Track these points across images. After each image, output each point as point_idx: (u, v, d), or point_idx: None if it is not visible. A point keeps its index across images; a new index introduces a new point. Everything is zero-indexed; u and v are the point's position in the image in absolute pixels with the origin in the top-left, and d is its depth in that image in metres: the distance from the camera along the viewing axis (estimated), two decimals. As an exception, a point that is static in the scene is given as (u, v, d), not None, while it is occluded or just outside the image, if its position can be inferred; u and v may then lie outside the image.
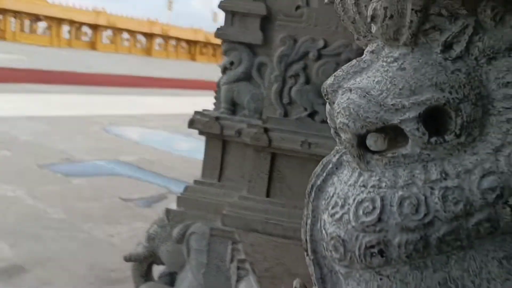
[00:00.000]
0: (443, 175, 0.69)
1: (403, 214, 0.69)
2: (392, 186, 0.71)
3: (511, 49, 0.67)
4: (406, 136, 0.71)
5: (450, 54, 0.68)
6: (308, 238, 0.84)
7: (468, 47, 0.68)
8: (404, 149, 0.71)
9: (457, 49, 0.68)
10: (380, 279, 0.72)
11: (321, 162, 0.85)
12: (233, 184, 3.51)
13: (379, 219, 0.70)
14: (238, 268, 2.85)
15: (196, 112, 3.56)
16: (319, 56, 3.08)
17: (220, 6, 3.50)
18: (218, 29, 3.52)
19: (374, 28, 0.73)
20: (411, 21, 0.68)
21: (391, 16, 0.69)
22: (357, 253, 0.73)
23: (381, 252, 0.71)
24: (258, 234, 3.01)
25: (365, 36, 0.79)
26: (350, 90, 0.74)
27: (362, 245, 0.72)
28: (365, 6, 0.75)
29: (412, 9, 0.67)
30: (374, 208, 0.71)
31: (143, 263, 3.47)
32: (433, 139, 0.69)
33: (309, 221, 0.84)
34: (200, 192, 3.45)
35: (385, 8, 0.69)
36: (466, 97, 0.67)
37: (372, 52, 0.78)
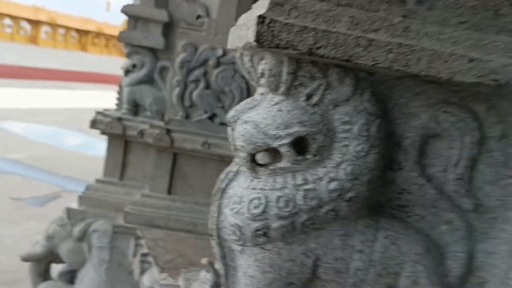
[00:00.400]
0: (305, 181, 1.07)
1: (279, 207, 1.06)
2: (272, 189, 1.08)
3: (348, 100, 1.07)
4: (282, 155, 1.08)
5: (310, 102, 1.06)
6: (215, 226, 1.18)
7: (322, 98, 1.06)
8: (281, 164, 1.09)
9: (315, 99, 1.06)
10: (264, 251, 1.09)
11: (224, 171, 1.19)
12: (135, 183, 3.74)
13: (263, 211, 1.07)
14: (142, 261, 3.09)
15: (98, 112, 3.71)
16: (218, 64, 3.41)
17: (123, 11, 3.69)
18: (121, 32, 3.71)
19: (262, 80, 1.09)
20: (286, 80, 1.05)
21: (273, 75, 1.05)
22: (248, 235, 1.09)
23: (264, 234, 1.08)
24: (160, 230, 3.27)
25: (257, 83, 1.15)
26: (246, 122, 1.09)
27: (252, 229, 1.08)
28: (257, 63, 1.11)
29: (287, 72, 1.04)
30: (260, 204, 1.07)
31: (42, 262, 3.55)
32: (299, 157, 1.07)
33: (215, 215, 1.18)
34: (102, 190, 3.63)
35: (270, 70, 1.05)
36: (320, 130, 1.06)
37: (261, 94, 1.15)
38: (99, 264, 3.43)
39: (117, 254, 3.44)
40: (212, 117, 3.45)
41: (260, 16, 0.94)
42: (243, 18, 1.22)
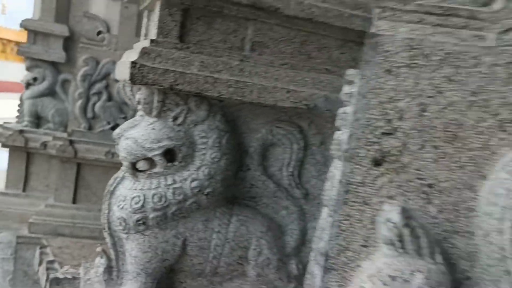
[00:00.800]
0: (174, 181, 1.49)
1: (154, 202, 1.47)
2: (149, 188, 1.49)
3: (204, 120, 1.49)
4: (156, 163, 1.49)
5: (176, 122, 1.48)
6: (106, 221, 1.56)
7: (184, 119, 1.48)
8: (155, 169, 1.50)
9: (179, 120, 1.48)
10: (144, 236, 1.49)
11: (113, 177, 1.58)
12: (39, 194, 3.93)
13: (142, 206, 1.47)
14: (47, 269, 3.32)
15: (-1, 125, 3.86)
16: (119, 77, 3.70)
17: (22, 25, 3.88)
18: (20, 47, 3.91)
19: (139, 106, 1.49)
20: (157, 106, 1.46)
21: (147, 103, 1.45)
22: (131, 225, 1.48)
23: (144, 223, 1.48)
24: (66, 238, 3.50)
25: (136, 106, 1.55)
26: (127, 138, 1.49)
27: (134, 220, 1.47)
28: (135, 93, 1.51)
29: (157, 100, 1.45)
30: (139, 200, 1.47)
31: None
32: (169, 164, 1.49)
33: (106, 212, 1.56)
34: (4, 203, 3.80)
35: (144, 99, 1.45)
36: (184, 143, 1.48)
37: (141, 116, 1.54)
38: (3, 276, 3.58)
39: (22, 265, 3.60)
40: (114, 127, 3.69)
41: (132, 62, 1.34)
42: (125, 56, 1.62)
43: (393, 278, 0.95)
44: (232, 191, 1.58)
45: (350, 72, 1.06)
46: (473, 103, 0.95)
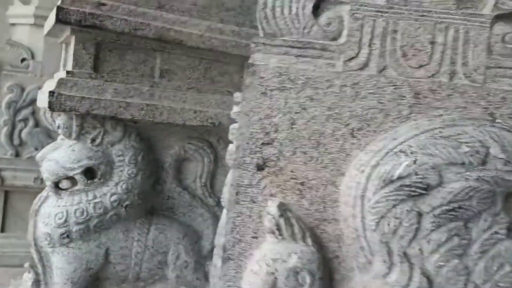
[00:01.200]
0: (94, 197, 1.63)
1: (76, 217, 1.60)
2: (72, 204, 1.62)
3: (120, 140, 1.65)
4: (77, 181, 1.62)
5: (94, 144, 1.63)
6: (32, 238, 1.67)
7: (102, 140, 1.63)
8: (77, 187, 1.63)
9: (97, 141, 1.63)
10: (68, 249, 1.62)
11: (38, 196, 1.69)
12: (-36, 224, 3.83)
13: (65, 221, 1.60)
14: (-25, 298, 3.26)
15: None
16: (45, 103, 3.73)
17: None
18: None
19: (60, 131, 1.63)
20: (76, 130, 1.60)
21: (67, 127, 1.59)
22: (56, 239, 1.60)
23: (67, 236, 1.60)
24: (-5, 266, 3.45)
25: (56, 131, 1.68)
26: (50, 160, 1.62)
27: (58, 234, 1.60)
28: (56, 118, 1.65)
29: (76, 125, 1.59)
30: (63, 216, 1.60)
31: None
32: (89, 181, 1.63)
33: (32, 229, 1.68)
34: None
35: (64, 123, 1.59)
36: (102, 162, 1.63)
37: (62, 139, 1.68)
38: None
39: None
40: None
41: (50, 91, 1.48)
42: (46, 85, 1.75)
43: (274, 260, 1.14)
44: (150, 203, 1.74)
45: (236, 94, 1.27)
46: (329, 116, 1.17)
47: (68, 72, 1.54)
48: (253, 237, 1.25)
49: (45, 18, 4.14)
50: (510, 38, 1.10)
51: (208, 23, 1.61)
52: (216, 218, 1.86)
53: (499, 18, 1.10)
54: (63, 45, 1.78)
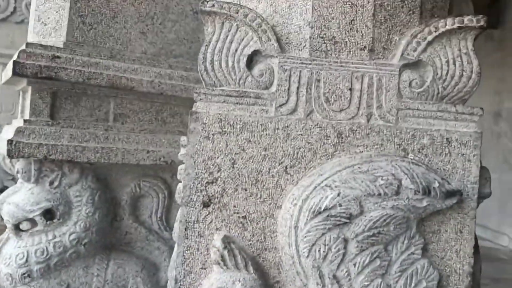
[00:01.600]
0: (54, 236, 1.69)
1: (37, 256, 1.66)
2: (32, 245, 1.68)
3: (77, 182, 1.72)
4: (37, 222, 1.68)
5: (52, 186, 1.69)
6: (-6, 279, 1.71)
7: (60, 182, 1.71)
8: (36, 228, 1.69)
9: (55, 184, 1.70)
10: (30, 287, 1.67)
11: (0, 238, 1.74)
12: None
13: (26, 261, 1.65)
14: None
15: None
16: None
17: None
18: None
19: (19, 175, 1.69)
20: (34, 174, 1.66)
21: (25, 172, 1.66)
22: (17, 279, 1.65)
23: (29, 275, 1.65)
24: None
25: (15, 175, 1.74)
26: (9, 203, 1.68)
27: (19, 274, 1.65)
28: (15, 164, 1.71)
29: (34, 169, 1.66)
30: (24, 256, 1.65)
31: None
32: (49, 222, 1.69)
33: (-7, 270, 1.72)
34: None
35: (22, 168, 1.66)
36: (61, 203, 1.70)
37: (21, 182, 1.74)
38: None
39: None
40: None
41: (9, 140, 1.55)
42: (4, 131, 1.81)
43: (220, 288, 1.25)
44: (109, 239, 1.81)
45: (183, 138, 1.38)
46: (265, 156, 1.29)
47: (25, 121, 1.61)
48: (201, 268, 1.35)
49: (2, 55, 4.16)
50: (416, 84, 1.26)
51: (158, 69, 1.72)
52: (171, 251, 1.94)
53: (406, 66, 1.26)
54: (21, 92, 1.85)
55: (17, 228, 1.68)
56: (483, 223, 5.48)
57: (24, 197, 1.67)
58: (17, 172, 1.69)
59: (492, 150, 5.62)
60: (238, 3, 1.38)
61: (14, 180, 3.83)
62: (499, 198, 5.38)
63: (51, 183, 1.69)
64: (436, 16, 1.35)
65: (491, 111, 5.68)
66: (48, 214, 1.69)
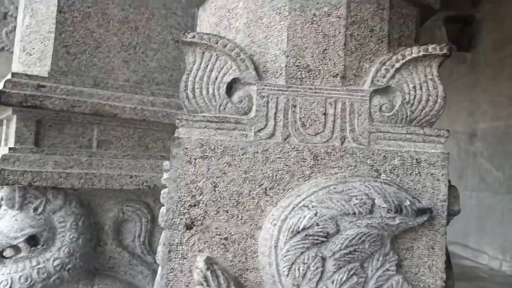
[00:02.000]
0: (38, 262, 1.69)
1: (21, 282, 1.65)
2: (16, 271, 1.67)
3: (61, 208, 1.74)
4: (21, 248, 1.69)
5: (36, 212, 1.70)
6: (-24, 307, 1.70)
7: (44, 209, 1.72)
8: (20, 254, 1.69)
9: (39, 210, 1.71)
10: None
11: (-19, 266, 1.73)
12: None
13: (10, 287, 1.64)
14: None
15: None
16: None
17: None
18: None
19: (3, 202, 1.70)
20: (19, 201, 1.67)
21: (10, 199, 1.67)
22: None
23: (12, 302, 1.64)
24: None
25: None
26: (-6, 231, 1.68)
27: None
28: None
29: (19, 196, 1.67)
30: (7, 283, 1.65)
31: None
32: (33, 248, 1.70)
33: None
34: None
35: (7, 195, 1.66)
36: (45, 229, 1.70)
37: (4, 209, 1.74)
38: None
39: None
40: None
41: (-6, 167, 1.57)
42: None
43: (204, 309, 1.27)
44: (92, 264, 1.81)
45: (165, 163, 1.41)
46: (246, 179, 1.33)
47: (10, 149, 1.63)
48: (185, 290, 1.37)
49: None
50: (386, 108, 1.32)
51: (141, 97, 1.76)
52: (155, 274, 1.95)
53: (376, 92, 1.32)
54: (5, 121, 1.87)
55: (0, 255, 1.68)
56: (463, 241, 5.57)
57: (8, 224, 1.67)
58: (1, 199, 1.69)
59: (469, 169, 5.74)
60: (217, 34, 1.44)
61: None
62: (477, 217, 5.49)
63: (35, 209, 1.70)
64: (403, 44, 1.43)
65: (466, 131, 5.83)
66: (32, 240, 1.69)
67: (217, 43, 1.33)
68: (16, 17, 5.41)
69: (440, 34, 6.12)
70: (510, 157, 5.10)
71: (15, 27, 5.33)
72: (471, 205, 5.59)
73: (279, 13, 1.36)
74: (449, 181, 1.32)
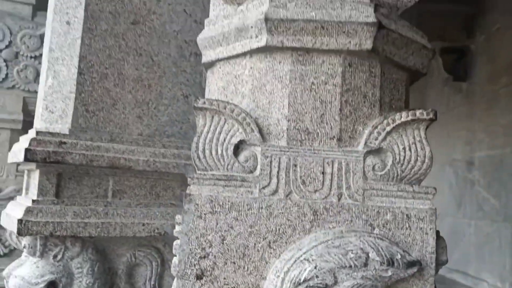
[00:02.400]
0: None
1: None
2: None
3: (78, 255, 1.84)
4: (41, 294, 1.79)
5: (56, 259, 1.81)
6: None
7: (63, 256, 1.82)
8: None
9: (58, 257, 1.81)
10: None
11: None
12: None
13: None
14: None
15: None
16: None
17: None
18: None
19: (25, 250, 1.81)
20: (40, 249, 1.78)
21: (31, 247, 1.78)
22: None
23: None
24: None
25: (21, 250, 1.86)
26: (16, 276, 1.78)
27: None
28: (22, 239, 1.83)
29: (40, 244, 1.78)
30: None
31: None
32: (51, 293, 1.79)
33: None
34: None
35: (29, 244, 1.78)
36: (63, 275, 1.80)
37: (26, 256, 1.85)
38: None
39: None
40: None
41: (19, 219, 1.68)
42: (10, 208, 1.94)
43: None
44: (107, 306, 1.91)
45: (178, 217, 1.53)
46: (251, 232, 1.44)
47: (33, 201, 1.75)
48: (196, 336, 1.46)
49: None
50: (378, 167, 1.44)
51: (153, 149, 1.89)
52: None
53: (369, 153, 1.44)
54: (26, 171, 1.99)
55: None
56: (463, 269, 5.58)
57: (29, 270, 1.78)
58: (24, 247, 1.80)
59: (467, 197, 5.76)
60: (225, 97, 1.57)
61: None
62: (476, 245, 5.52)
63: (55, 256, 1.80)
64: (394, 107, 1.55)
65: (464, 159, 5.85)
66: (52, 286, 1.79)
67: (225, 108, 1.45)
68: (27, 56, 5.60)
69: (437, 65, 6.23)
70: (506, 185, 5.15)
71: (26, 65, 5.51)
72: (470, 233, 5.63)
73: (281, 81, 1.48)
74: (438, 232, 1.42)
